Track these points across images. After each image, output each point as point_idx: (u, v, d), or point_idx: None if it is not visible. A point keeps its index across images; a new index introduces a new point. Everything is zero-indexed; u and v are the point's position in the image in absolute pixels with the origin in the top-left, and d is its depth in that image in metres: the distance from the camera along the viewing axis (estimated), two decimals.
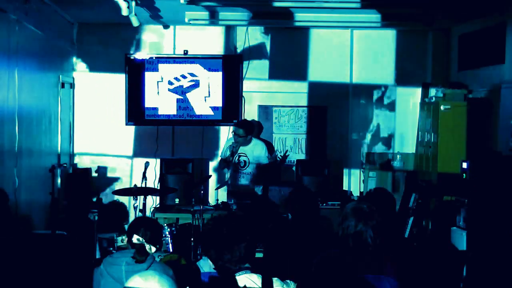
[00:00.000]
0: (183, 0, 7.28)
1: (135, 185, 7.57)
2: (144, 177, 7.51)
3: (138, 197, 7.33)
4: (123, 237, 6.92)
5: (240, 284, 3.52)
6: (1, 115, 6.65)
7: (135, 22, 7.93)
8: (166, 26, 9.55)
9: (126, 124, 9.52)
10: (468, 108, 8.33)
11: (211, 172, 9.57)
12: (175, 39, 9.65)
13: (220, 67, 9.43)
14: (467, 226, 6.97)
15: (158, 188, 8.78)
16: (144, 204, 7.29)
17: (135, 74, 9.43)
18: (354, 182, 9.63)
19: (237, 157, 8.41)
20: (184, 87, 9.47)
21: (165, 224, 7.32)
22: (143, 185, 7.44)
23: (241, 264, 3.56)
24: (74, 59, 9.59)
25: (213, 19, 8.72)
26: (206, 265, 4.32)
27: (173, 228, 7.21)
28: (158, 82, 9.44)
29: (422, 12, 8.42)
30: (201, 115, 9.48)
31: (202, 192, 7.59)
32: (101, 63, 9.62)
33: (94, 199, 9.29)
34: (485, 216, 6.71)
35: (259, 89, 9.64)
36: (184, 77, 9.46)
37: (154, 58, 9.46)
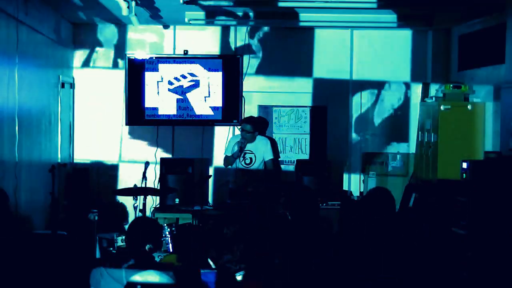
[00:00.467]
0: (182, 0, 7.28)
1: (135, 185, 7.57)
2: (144, 177, 7.51)
3: (138, 197, 7.34)
4: (123, 237, 6.93)
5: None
6: (1, 115, 6.65)
7: (135, 22, 7.93)
8: (166, 26, 9.55)
9: (126, 124, 9.51)
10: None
11: (211, 172, 9.56)
12: (175, 39, 9.65)
13: (220, 67, 9.43)
14: (467, 226, 6.97)
15: (158, 188, 8.77)
16: (144, 204, 7.29)
17: (135, 74, 9.42)
18: (354, 182, 9.63)
19: (242, 154, 8.44)
20: (184, 87, 9.47)
21: (165, 224, 7.32)
22: (143, 185, 7.44)
23: (241, 264, 3.56)
24: (74, 59, 9.59)
25: (213, 19, 8.72)
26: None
27: (173, 228, 7.21)
28: (158, 82, 9.43)
29: (422, 12, 8.42)
30: (201, 115, 9.48)
31: (202, 192, 7.59)
32: (101, 63, 9.62)
33: (94, 199, 9.28)
34: (485, 216, 6.71)
35: (259, 89, 9.64)
36: (184, 77, 9.46)
37: (154, 58, 9.46)
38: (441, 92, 8.63)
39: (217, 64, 9.45)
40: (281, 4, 7.71)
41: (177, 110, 9.46)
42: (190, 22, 8.71)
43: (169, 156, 9.56)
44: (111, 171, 9.65)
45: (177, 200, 8.42)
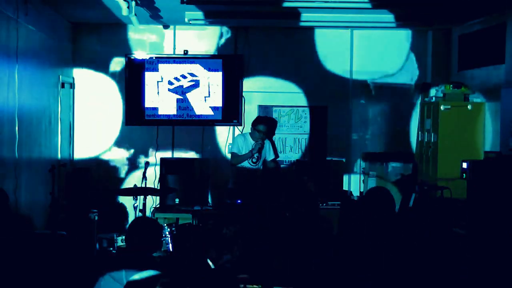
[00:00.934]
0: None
1: (135, 185, 7.58)
2: (144, 177, 7.51)
3: (138, 197, 7.34)
4: (123, 237, 6.93)
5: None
6: (1, 115, 6.65)
7: (135, 22, 7.93)
8: (166, 26, 9.55)
9: (126, 124, 9.52)
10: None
11: (210, 172, 9.56)
12: (175, 39, 9.65)
13: (220, 67, 9.43)
14: (467, 226, 6.97)
15: (158, 188, 8.77)
16: (144, 204, 7.30)
17: (135, 74, 9.43)
18: (354, 182, 9.63)
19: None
20: (184, 87, 9.47)
21: (165, 224, 7.32)
22: (143, 185, 7.44)
23: (241, 264, 3.56)
24: (74, 59, 9.59)
25: (213, 19, 8.71)
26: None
27: (173, 228, 7.22)
28: (158, 82, 9.44)
29: (422, 12, 8.42)
30: (201, 115, 9.48)
31: (202, 192, 7.59)
32: (101, 63, 9.61)
33: (94, 199, 9.28)
34: (485, 216, 6.71)
35: (259, 89, 9.64)
36: (184, 77, 9.46)
37: (154, 58, 9.46)
38: (441, 92, 8.64)
39: (217, 64, 9.45)
40: (286, 4, 7.70)
41: (177, 110, 9.46)
42: (190, 22, 8.71)
43: (169, 156, 9.57)
44: (111, 171, 9.65)
45: (177, 200, 8.42)
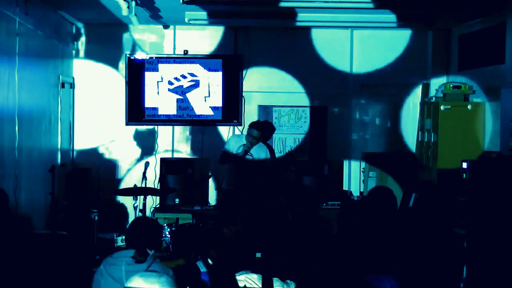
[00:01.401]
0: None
1: (135, 185, 7.58)
2: (144, 177, 7.52)
3: (138, 197, 7.34)
4: (123, 237, 6.94)
5: (240, 284, 3.52)
6: (1, 115, 6.65)
7: (135, 22, 7.92)
8: (166, 26, 9.55)
9: (126, 124, 9.52)
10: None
11: (211, 172, 9.56)
12: (175, 39, 9.65)
13: (220, 67, 9.44)
14: (467, 226, 6.97)
15: (158, 188, 8.78)
16: (144, 204, 7.30)
17: (135, 74, 9.43)
18: (354, 182, 9.63)
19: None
20: (184, 87, 9.47)
21: (165, 224, 7.32)
22: (143, 185, 7.44)
23: (242, 264, 3.56)
24: (74, 59, 9.59)
25: (213, 19, 8.71)
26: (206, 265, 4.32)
27: (173, 228, 7.22)
28: (158, 82, 9.44)
29: (422, 12, 8.42)
30: (201, 115, 9.49)
31: (202, 192, 7.59)
32: (101, 63, 9.61)
33: (94, 199, 9.28)
34: (485, 216, 6.71)
35: (259, 89, 9.64)
36: (184, 77, 9.46)
37: (154, 58, 9.46)
38: (441, 92, 8.64)
39: (217, 64, 9.45)
40: (282, 4, 7.70)
41: (177, 110, 9.46)
42: (190, 22, 8.71)
43: (169, 156, 9.57)
44: (111, 171, 9.65)
45: (177, 200, 8.42)
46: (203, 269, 4.34)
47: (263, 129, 8.36)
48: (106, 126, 9.62)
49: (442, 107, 8.41)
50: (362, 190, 9.39)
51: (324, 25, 9.09)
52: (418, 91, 9.61)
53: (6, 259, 5.31)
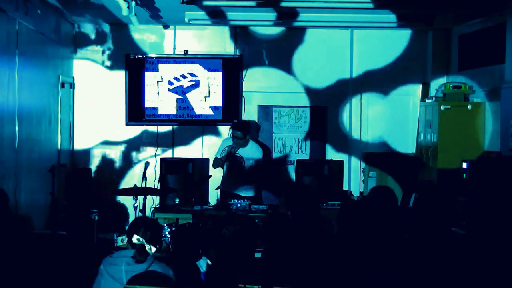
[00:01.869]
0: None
1: (135, 185, 7.58)
2: (144, 177, 7.51)
3: (138, 197, 7.34)
4: (123, 237, 6.93)
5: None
6: (1, 115, 6.65)
7: (135, 22, 7.92)
8: (166, 26, 9.55)
9: (126, 124, 9.52)
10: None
11: (211, 172, 9.56)
12: (175, 39, 9.65)
13: (220, 67, 9.44)
14: (467, 226, 6.97)
15: (158, 188, 8.77)
16: (144, 204, 7.29)
17: (135, 74, 9.43)
18: (354, 182, 9.63)
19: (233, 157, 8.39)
20: (184, 87, 9.47)
21: (165, 224, 7.31)
22: (143, 185, 7.44)
23: (242, 264, 3.56)
24: (74, 59, 9.59)
25: (213, 19, 8.71)
26: (206, 265, 4.32)
27: (173, 228, 7.21)
28: (158, 82, 9.44)
29: (422, 12, 8.42)
30: (201, 115, 9.49)
31: (202, 192, 7.58)
32: (101, 63, 9.62)
33: (94, 199, 9.29)
34: (485, 216, 6.71)
35: (259, 89, 9.64)
36: (184, 77, 9.46)
37: (154, 58, 9.46)
38: (441, 92, 8.64)
39: (217, 64, 9.45)
40: (283, 4, 7.70)
41: (177, 110, 9.46)
42: (190, 22, 8.71)
43: (169, 156, 9.57)
44: (111, 171, 9.65)
45: (177, 200, 8.41)
46: (203, 269, 4.34)
47: (242, 127, 8.36)
48: (106, 126, 9.62)
49: (442, 107, 8.41)
50: (362, 190, 9.39)
51: (324, 25, 9.09)
52: (418, 91, 9.61)
53: (6, 259, 5.31)
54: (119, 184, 9.56)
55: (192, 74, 9.46)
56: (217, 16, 8.61)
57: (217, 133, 9.69)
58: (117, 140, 9.66)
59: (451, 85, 8.58)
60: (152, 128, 9.64)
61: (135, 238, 4.50)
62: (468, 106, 8.42)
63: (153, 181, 8.93)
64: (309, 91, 9.67)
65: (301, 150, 9.68)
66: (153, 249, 4.55)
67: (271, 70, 9.65)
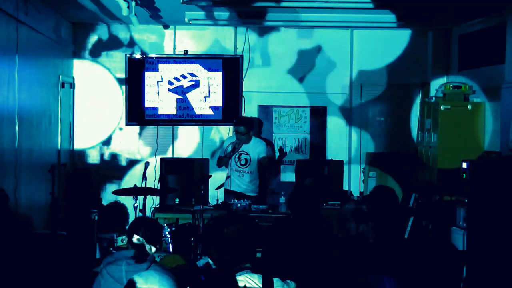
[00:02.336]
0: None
1: (135, 185, 7.58)
2: (144, 177, 7.51)
3: (138, 197, 7.34)
4: (123, 237, 6.93)
5: (240, 284, 3.52)
6: (1, 115, 6.65)
7: (135, 22, 7.93)
8: (166, 26, 9.55)
9: (126, 124, 9.53)
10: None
11: (211, 172, 9.56)
12: (175, 39, 9.65)
13: (220, 67, 9.44)
14: (467, 226, 6.97)
15: (158, 188, 8.78)
16: (144, 204, 7.30)
17: (135, 74, 9.43)
18: (354, 182, 9.63)
19: (237, 155, 8.41)
20: (184, 87, 9.47)
21: (165, 224, 7.31)
22: (143, 185, 7.44)
23: (242, 264, 3.55)
24: (74, 59, 9.59)
25: (213, 19, 8.71)
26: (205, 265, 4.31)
27: (173, 228, 7.21)
28: (158, 82, 9.44)
29: (422, 12, 8.42)
30: (201, 115, 9.49)
31: (202, 192, 7.59)
32: (101, 63, 9.62)
33: (94, 199, 9.29)
34: (485, 216, 6.71)
35: (259, 89, 9.64)
36: (184, 77, 9.46)
37: (154, 58, 9.46)
38: (441, 92, 8.64)
39: (217, 64, 9.45)
40: (283, 4, 7.70)
41: (177, 110, 9.46)
42: (190, 22, 8.71)
43: (169, 156, 9.57)
44: (111, 171, 9.65)
45: (177, 200, 8.41)
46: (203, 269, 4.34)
47: (245, 122, 8.40)
48: (106, 126, 9.62)
49: (442, 107, 8.40)
50: (362, 190, 9.39)
51: (324, 25, 9.08)
52: (418, 91, 9.61)
53: (6, 259, 5.31)
54: (119, 184, 9.56)
55: (192, 74, 9.46)
56: (217, 16, 8.60)
57: (217, 133, 9.69)
58: (117, 140, 9.65)
59: (451, 85, 8.58)
60: (152, 128, 9.63)
61: (135, 238, 4.50)
62: (468, 106, 8.42)
63: (153, 181, 8.93)
64: (309, 91, 9.66)
65: (301, 150, 9.67)
66: (153, 249, 4.55)
67: (271, 70, 9.64)
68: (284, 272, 3.93)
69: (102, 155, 9.66)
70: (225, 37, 9.62)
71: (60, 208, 7.94)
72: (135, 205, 7.23)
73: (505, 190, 6.61)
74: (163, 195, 8.63)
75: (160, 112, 9.46)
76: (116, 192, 8.83)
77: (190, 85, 9.46)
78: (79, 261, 6.78)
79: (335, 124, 9.69)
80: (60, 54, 9.03)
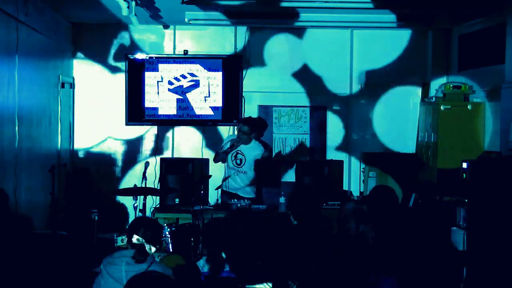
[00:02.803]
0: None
1: (135, 185, 7.57)
2: (144, 177, 7.51)
3: (138, 197, 7.34)
4: (123, 237, 6.94)
5: None
6: (1, 115, 6.65)
7: (135, 22, 7.93)
8: (166, 26, 9.56)
9: (126, 124, 9.52)
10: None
11: (211, 172, 9.55)
12: (175, 39, 9.65)
13: (220, 67, 9.44)
14: (467, 226, 6.97)
15: (158, 188, 8.77)
16: (144, 204, 7.30)
17: (135, 74, 9.43)
18: (354, 182, 9.63)
19: (234, 153, 8.40)
20: (184, 87, 9.47)
21: (165, 224, 7.31)
22: (143, 185, 7.44)
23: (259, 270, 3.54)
24: (74, 59, 9.59)
25: (213, 19, 8.71)
26: (206, 265, 4.32)
27: (173, 228, 7.21)
28: (158, 82, 9.44)
29: (422, 12, 8.42)
30: (201, 115, 9.49)
31: (202, 192, 7.59)
32: (101, 63, 9.62)
33: (94, 199, 9.28)
34: (485, 216, 6.71)
35: (259, 89, 9.64)
36: (184, 77, 9.46)
37: (154, 58, 9.46)
38: (441, 92, 8.64)
39: (217, 64, 9.45)
40: (283, 4, 7.70)
41: (177, 110, 9.46)
42: (190, 22, 8.71)
43: (169, 156, 9.57)
44: (111, 171, 9.65)
45: (177, 200, 8.41)
46: (203, 269, 4.34)
47: (252, 124, 8.39)
48: (106, 126, 9.62)
49: (442, 107, 8.41)
50: (362, 190, 9.38)
51: (324, 25, 9.09)
52: (418, 91, 9.61)
53: (6, 259, 5.31)
54: (119, 184, 9.56)
55: (192, 74, 9.46)
56: (217, 16, 8.60)
57: (217, 133, 9.69)
58: (117, 140, 9.66)
59: (451, 85, 8.58)
60: (152, 128, 9.64)
61: (135, 238, 4.49)
62: (468, 106, 8.42)
63: (153, 181, 8.93)
64: (309, 91, 9.66)
65: (301, 150, 9.67)
66: (153, 249, 4.55)
67: (271, 70, 9.64)
68: (284, 272, 3.93)
69: (102, 155, 9.66)
70: (225, 37, 9.62)
71: (60, 208, 7.94)
72: (135, 205, 7.23)
73: (505, 190, 6.62)
74: (163, 195, 8.62)
75: (160, 112, 9.46)
76: (116, 192, 8.84)
77: (190, 85, 9.46)
78: (79, 261, 6.78)
79: (335, 124, 9.69)
80: (60, 54, 9.03)
